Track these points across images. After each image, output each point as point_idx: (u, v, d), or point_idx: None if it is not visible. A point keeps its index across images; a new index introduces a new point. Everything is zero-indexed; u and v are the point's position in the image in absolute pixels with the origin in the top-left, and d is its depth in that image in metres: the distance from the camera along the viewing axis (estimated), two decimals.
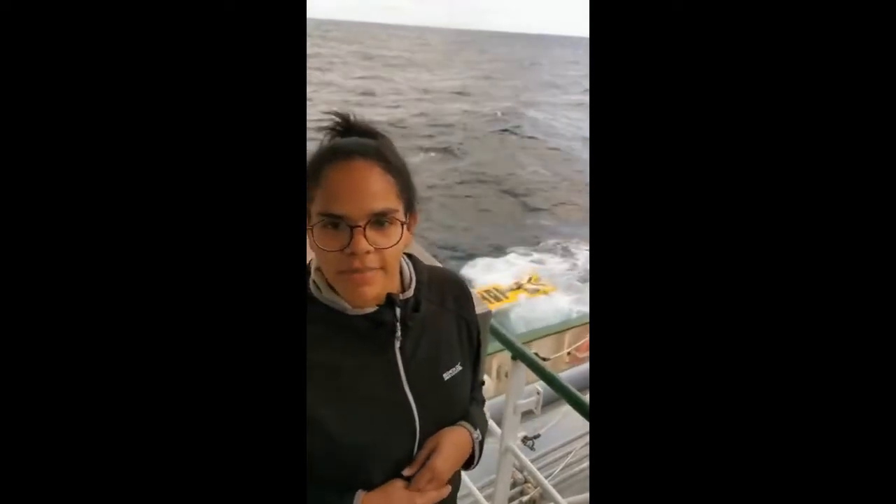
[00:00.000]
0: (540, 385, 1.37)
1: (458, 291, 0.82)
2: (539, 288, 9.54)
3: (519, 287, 9.47)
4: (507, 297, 9.06)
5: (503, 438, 1.45)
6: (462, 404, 0.80)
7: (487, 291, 9.25)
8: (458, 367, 0.78)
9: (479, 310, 0.87)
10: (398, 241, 0.66)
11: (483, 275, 10.33)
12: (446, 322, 0.79)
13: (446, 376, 0.76)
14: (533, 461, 1.61)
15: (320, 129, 0.71)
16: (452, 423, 0.78)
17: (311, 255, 0.70)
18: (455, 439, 0.76)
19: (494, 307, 8.74)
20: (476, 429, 0.80)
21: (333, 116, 0.71)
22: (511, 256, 11.39)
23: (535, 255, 11.52)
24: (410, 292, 0.74)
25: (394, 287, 0.71)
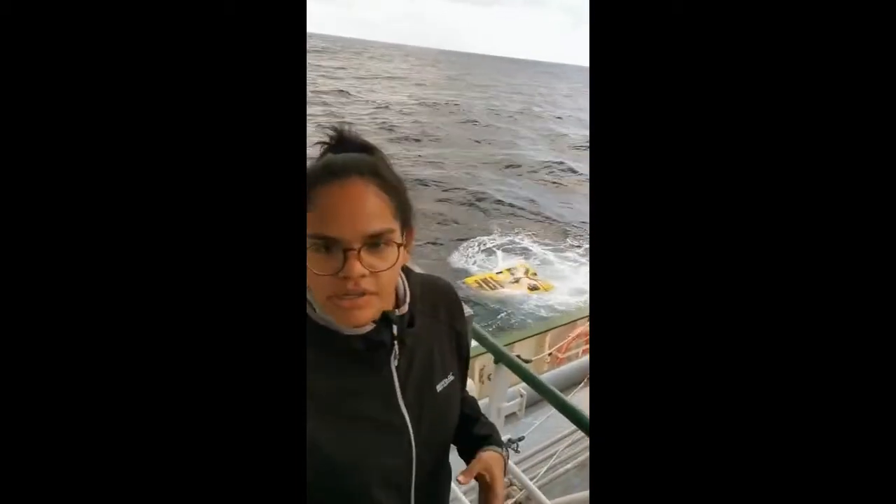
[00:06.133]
0: (523, 387, 1.38)
1: (450, 301, 0.81)
2: (538, 285, 9.40)
3: (517, 281, 9.37)
4: (503, 289, 9.03)
5: None
6: (454, 413, 0.79)
7: (485, 281, 9.20)
8: (451, 377, 0.77)
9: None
10: (394, 264, 0.64)
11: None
12: (439, 333, 0.77)
13: (439, 387, 0.75)
14: (517, 463, 1.62)
15: (313, 143, 0.68)
16: (446, 433, 0.78)
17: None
18: (499, 466, 0.82)
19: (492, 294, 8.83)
20: (504, 449, 0.87)
21: (327, 130, 0.68)
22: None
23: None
24: (405, 308, 0.72)
25: (389, 306, 0.69)
